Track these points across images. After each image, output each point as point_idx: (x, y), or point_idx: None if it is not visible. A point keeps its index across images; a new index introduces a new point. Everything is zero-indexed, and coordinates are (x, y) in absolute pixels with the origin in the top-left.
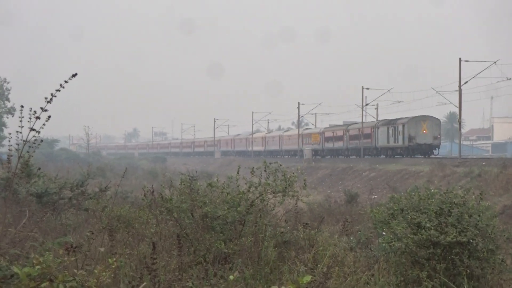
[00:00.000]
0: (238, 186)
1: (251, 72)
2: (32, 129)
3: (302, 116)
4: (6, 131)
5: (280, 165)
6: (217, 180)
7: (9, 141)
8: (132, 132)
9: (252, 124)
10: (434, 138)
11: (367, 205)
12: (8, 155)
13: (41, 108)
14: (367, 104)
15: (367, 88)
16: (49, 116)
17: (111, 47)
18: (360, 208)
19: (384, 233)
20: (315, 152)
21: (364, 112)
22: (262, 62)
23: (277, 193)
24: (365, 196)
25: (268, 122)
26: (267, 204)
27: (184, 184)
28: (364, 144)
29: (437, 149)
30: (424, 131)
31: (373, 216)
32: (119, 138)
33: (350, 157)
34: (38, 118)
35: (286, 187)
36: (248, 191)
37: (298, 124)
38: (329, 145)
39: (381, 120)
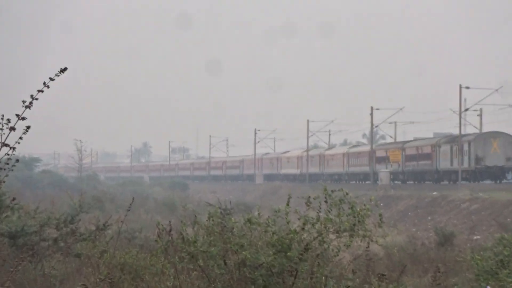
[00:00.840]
0: (288, 223)
1: (306, 75)
2: (4, 144)
3: (377, 126)
4: None
5: (347, 193)
6: (258, 214)
7: None
8: (142, 148)
9: (308, 137)
10: (507, 159)
11: (467, 249)
12: None
13: (17, 115)
14: (466, 109)
15: (467, 87)
16: (28, 127)
17: (113, 44)
18: (457, 254)
19: (489, 287)
20: (394, 176)
21: (462, 119)
22: (322, 66)
23: (343, 233)
24: (464, 237)
25: (330, 134)
26: (328, 247)
27: (213, 220)
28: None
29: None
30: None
31: (475, 264)
32: (122, 157)
33: (442, 182)
34: (12, 129)
35: (354, 224)
36: (302, 229)
37: (371, 137)
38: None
39: (445, 137)
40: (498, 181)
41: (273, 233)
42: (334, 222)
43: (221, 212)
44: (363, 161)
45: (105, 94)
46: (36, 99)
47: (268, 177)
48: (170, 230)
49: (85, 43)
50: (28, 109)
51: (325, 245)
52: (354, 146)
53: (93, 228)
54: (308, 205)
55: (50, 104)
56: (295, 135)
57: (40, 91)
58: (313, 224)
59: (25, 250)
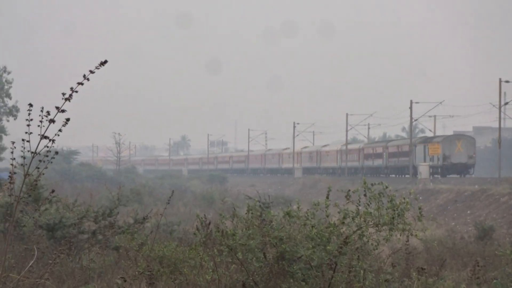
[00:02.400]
0: (327, 217)
1: (348, 68)
2: (43, 137)
3: (416, 119)
4: (6, 139)
5: (386, 187)
6: (298, 207)
7: (11, 153)
8: (180, 141)
9: (347, 131)
10: (469, 157)
11: (506, 243)
12: (10, 173)
13: (57, 107)
14: (506, 103)
15: (506, 81)
16: (67, 119)
17: (153, 41)
18: (497, 248)
19: None
20: (433, 170)
21: (502, 113)
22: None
23: (382, 227)
24: (504, 231)
25: (369, 128)
26: (368, 241)
27: (252, 214)
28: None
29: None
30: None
31: None
32: (161, 150)
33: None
34: (52, 121)
35: (394, 218)
36: (342, 223)
37: (411, 131)
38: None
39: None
40: (462, 175)
41: (312, 227)
42: (373, 216)
43: (260, 205)
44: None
45: (144, 89)
46: (76, 91)
47: (307, 171)
48: (209, 223)
49: (119, 40)
50: (67, 102)
51: (365, 239)
52: (393, 140)
53: (131, 221)
54: (347, 199)
55: (89, 98)
56: (334, 129)
57: (80, 83)
58: (352, 218)
59: (63, 243)
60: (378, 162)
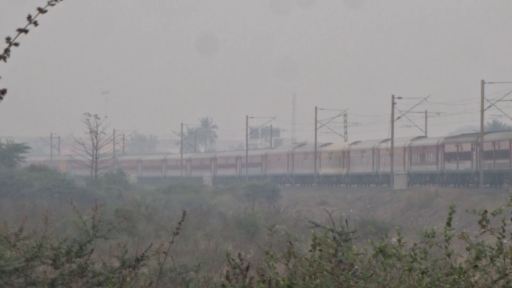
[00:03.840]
0: (449, 256)
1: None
2: None
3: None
4: None
5: None
6: (399, 240)
7: None
8: (200, 128)
9: (482, 120)
10: None
11: None
12: None
13: None
14: (489, 107)
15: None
16: (3, 91)
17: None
18: None
19: None
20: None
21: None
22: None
23: None
24: None
25: (427, 117)
26: None
27: (321, 251)
28: None
29: None
30: None
31: None
32: (166, 143)
33: None
34: None
35: None
36: (474, 267)
37: None
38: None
39: None
40: None
41: (422, 273)
42: None
43: (334, 238)
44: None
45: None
46: (16, 44)
47: (416, 178)
48: (247, 268)
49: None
50: (3, 61)
51: None
52: (487, 133)
53: (117, 264)
54: (483, 226)
55: (51, 73)
56: (370, 119)
57: (23, 30)
58: (491, 258)
59: None
60: (464, 165)
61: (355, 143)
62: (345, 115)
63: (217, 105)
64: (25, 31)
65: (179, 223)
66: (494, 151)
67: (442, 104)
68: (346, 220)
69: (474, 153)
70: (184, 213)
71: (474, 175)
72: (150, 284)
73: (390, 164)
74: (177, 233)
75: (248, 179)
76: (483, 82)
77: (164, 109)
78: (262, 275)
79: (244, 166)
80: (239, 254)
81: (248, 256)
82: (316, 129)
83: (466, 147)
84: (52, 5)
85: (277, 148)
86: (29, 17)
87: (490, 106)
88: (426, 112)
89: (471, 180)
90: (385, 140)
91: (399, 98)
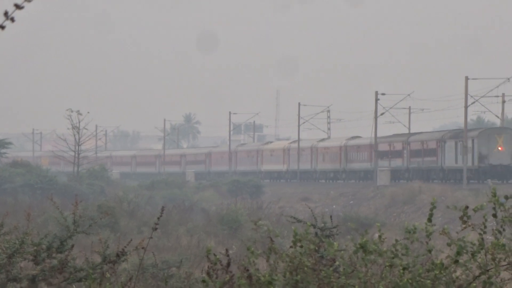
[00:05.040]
0: (430, 252)
1: None
2: None
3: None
4: None
5: None
6: (379, 236)
7: None
8: (183, 124)
9: (466, 116)
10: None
11: None
12: None
13: None
14: (473, 103)
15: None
16: None
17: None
18: None
19: None
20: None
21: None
22: None
23: None
24: None
25: (410, 113)
26: None
27: (302, 247)
28: None
29: None
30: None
31: None
32: (150, 139)
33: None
34: None
35: None
36: (455, 262)
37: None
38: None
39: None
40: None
41: (403, 269)
42: (509, 251)
43: (316, 234)
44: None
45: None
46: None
47: (396, 173)
48: (229, 264)
49: None
50: None
51: None
52: (414, 134)
53: (98, 260)
54: (464, 222)
55: (33, 68)
56: (354, 115)
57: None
58: (473, 254)
59: None
60: (396, 162)
61: (294, 141)
62: (328, 111)
63: (200, 101)
64: (2, 27)
65: (158, 218)
66: (422, 149)
67: (426, 100)
68: (330, 216)
69: (405, 151)
70: (162, 209)
71: (405, 171)
72: (130, 279)
73: (328, 162)
74: (156, 229)
75: (232, 175)
76: (467, 79)
77: (147, 105)
78: (247, 270)
79: (223, 162)
80: (227, 250)
81: (230, 252)
82: (299, 125)
83: (398, 146)
84: (29, 1)
85: (220, 147)
86: (5, 14)
87: (474, 102)
88: (409, 108)
89: (401, 176)
90: (323, 139)
91: (383, 94)
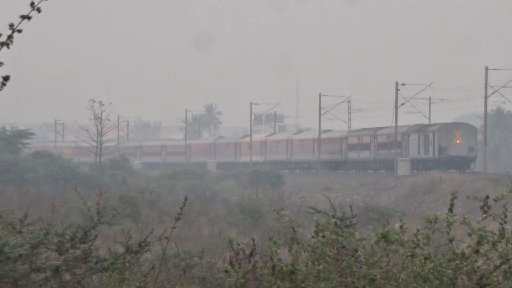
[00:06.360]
0: (451, 242)
1: None
2: None
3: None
4: None
5: None
6: (401, 227)
7: None
8: (204, 114)
9: (486, 106)
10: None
11: None
12: None
13: None
14: (493, 93)
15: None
16: (6, 78)
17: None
18: None
19: None
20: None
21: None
22: None
23: None
24: None
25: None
26: None
27: (323, 237)
28: None
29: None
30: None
31: None
32: (171, 129)
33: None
34: None
35: None
36: (476, 252)
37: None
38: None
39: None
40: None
41: (425, 259)
42: None
43: (336, 224)
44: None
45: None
46: (19, 31)
47: (418, 162)
48: (252, 254)
49: None
50: (6, 48)
51: None
52: (381, 128)
53: (121, 250)
54: (485, 212)
55: (56, 59)
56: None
57: (26, 17)
58: (493, 244)
59: (4, 287)
60: (364, 154)
61: (270, 135)
62: (349, 101)
63: (221, 92)
64: (28, 17)
65: (181, 208)
66: (388, 142)
67: (446, 90)
68: (350, 206)
69: (372, 144)
70: (185, 199)
71: (372, 162)
72: (152, 268)
73: (302, 153)
74: (179, 219)
75: (252, 165)
76: (486, 69)
77: (168, 96)
78: (266, 260)
79: (244, 153)
80: (253, 240)
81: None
82: (320, 116)
83: (366, 139)
84: None
85: (200, 139)
86: (32, 4)
87: (493, 93)
88: (430, 98)
89: (369, 167)
90: (297, 133)
91: (403, 84)
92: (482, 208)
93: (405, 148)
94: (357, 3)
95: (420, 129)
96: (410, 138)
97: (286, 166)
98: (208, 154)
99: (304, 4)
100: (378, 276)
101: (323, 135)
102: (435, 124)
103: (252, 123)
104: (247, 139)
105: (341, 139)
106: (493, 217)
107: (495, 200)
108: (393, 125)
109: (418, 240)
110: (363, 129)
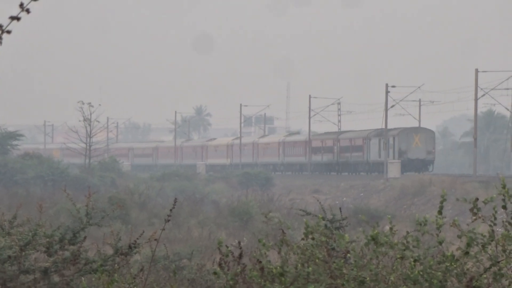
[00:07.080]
0: (440, 244)
1: None
2: None
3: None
4: None
5: None
6: (391, 229)
7: None
8: (194, 116)
9: (476, 109)
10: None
11: None
12: None
13: None
14: (483, 95)
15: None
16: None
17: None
18: None
19: None
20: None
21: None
22: None
23: None
24: None
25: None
26: (510, 285)
27: (313, 239)
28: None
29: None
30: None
31: None
32: (161, 131)
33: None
34: None
35: None
36: (465, 254)
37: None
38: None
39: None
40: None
41: (414, 261)
42: None
43: (326, 226)
44: (355, 150)
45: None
46: (8, 32)
47: (409, 164)
48: (241, 256)
49: None
50: None
51: (504, 281)
52: (344, 132)
53: (110, 252)
54: (474, 214)
55: (45, 61)
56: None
57: (15, 18)
58: (483, 246)
59: None
60: (327, 157)
61: (236, 138)
62: (339, 103)
63: (211, 93)
64: (18, 18)
65: (171, 210)
66: (350, 146)
67: (436, 92)
68: (340, 208)
69: (335, 147)
70: (175, 200)
71: (335, 164)
72: (141, 270)
73: (267, 156)
74: (169, 220)
75: (242, 167)
76: (477, 71)
77: (158, 98)
78: (260, 261)
79: (235, 155)
80: (239, 242)
81: (242, 244)
82: (309, 118)
83: (329, 143)
84: None
85: (167, 142)
86: (21, 5)
87: (484, 95)
88: (420, 100)
89: (332, 169)
90: (263, 136)
91: (393, 86)
92: (471, 210)
93: (366, 152)
94: (348, 6)
95: (381, 133)
96: (371, 142)
97: (252, 168)
98: (174, 157)
99: (295, 8)
100: (368, 279)
101: (288, 138)
102: (395, 129)
103: (242, 125)
104: (215, 142)
105: (305, 142)
106: (483, 219)
107: (485, 202)
108: (383, 127)
109: (407, 242)
110: (326, 133)
